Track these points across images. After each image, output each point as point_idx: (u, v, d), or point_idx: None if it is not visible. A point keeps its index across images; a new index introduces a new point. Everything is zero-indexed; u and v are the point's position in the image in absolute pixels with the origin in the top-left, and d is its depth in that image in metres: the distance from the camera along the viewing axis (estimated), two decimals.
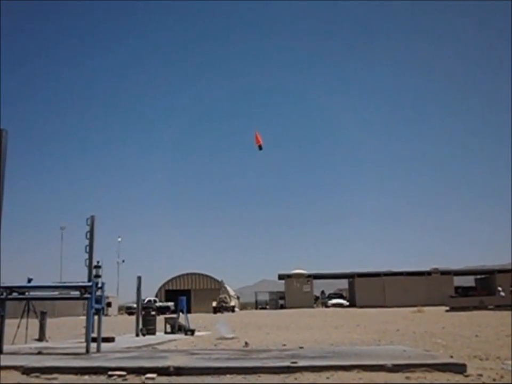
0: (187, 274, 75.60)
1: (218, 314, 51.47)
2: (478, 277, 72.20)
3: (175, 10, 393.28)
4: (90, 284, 12.12)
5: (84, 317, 13.39)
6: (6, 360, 9.10)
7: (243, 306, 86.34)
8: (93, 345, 11.47)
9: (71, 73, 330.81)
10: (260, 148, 27.09)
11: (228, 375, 7.48)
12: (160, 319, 23.74)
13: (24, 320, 17.10)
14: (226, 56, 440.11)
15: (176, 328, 21.63)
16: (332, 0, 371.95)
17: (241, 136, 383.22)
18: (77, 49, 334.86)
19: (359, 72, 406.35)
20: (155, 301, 63.18)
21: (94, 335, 11.93)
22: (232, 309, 61.18)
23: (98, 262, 15.73)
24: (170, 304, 60.49)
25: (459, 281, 70.09)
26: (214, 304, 61.45)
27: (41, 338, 18.11)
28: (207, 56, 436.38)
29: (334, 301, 66.31)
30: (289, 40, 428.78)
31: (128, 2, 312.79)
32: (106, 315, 48.12)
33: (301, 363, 7.82)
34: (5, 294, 11.66)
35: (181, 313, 23.02)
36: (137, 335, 19.69)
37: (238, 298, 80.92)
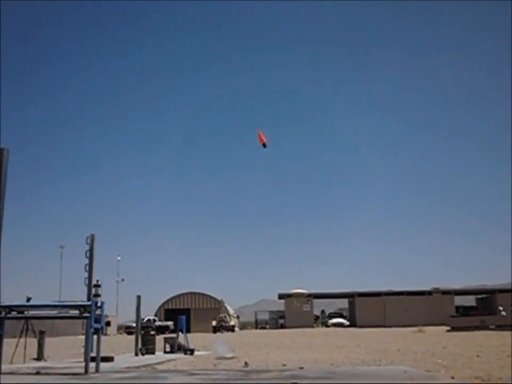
0: (187, 293, 75.22)
1: (218, 334, 51.11)
2: (479, 296, 71.80)
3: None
4: (89, 303, 12.09)
5: (83, 336, 13.34)
6: (4, 380, 9.05)
7: (243, 326, 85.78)
8: (92, 365, 11.40)
9: (69, 88, 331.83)
10: (264, 145, 27.38)
11: None
12: (160, 338, 23.62)
13: (22, 339, 17.02)
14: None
15: (176, 347, 21.51)
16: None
17: (239, 155, 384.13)
18: (71, 63, 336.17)
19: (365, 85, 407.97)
20: (154, 320, 62.78)
21: (93, 354, 11.88)
22: (232, 329, 60.78)
23: (97, 281, 15.71)
24: (170, 323, 60.09)
25: (460, 300, 69.74)
26: (214, 323, 61.06)
27: (39, 357, 18.01)
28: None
29: (334, 320, 65.91)
30: (295, 50, 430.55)
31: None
32: (106, 334, 47.82)
33: None
34: (3, 313, 11.62)
35: (180, 333, 22.91)
36: (136, 354, 19.57)
37: (237, 317, 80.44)
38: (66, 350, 26.00)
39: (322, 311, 73.32)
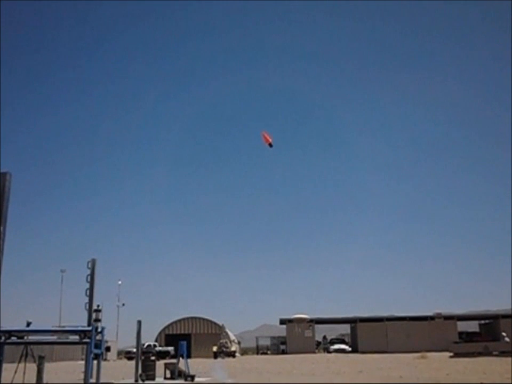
0: (187, 318, 74.78)
1: (218, 359, 50.64)
2: (482, 322, 71.25)
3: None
4: (90, 328, 12.05)
5: (83, 361, 13.25)
6: None
7: (244, 351, 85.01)
8: None
9: (68, 111, 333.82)
10: (270, 145, 27.70)
11: None
12: (160, 364, 23.45)
13: (21, 365, 16.89)
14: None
15: (176, 373, 21.33)
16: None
17: (242, 180, 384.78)
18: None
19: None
20: (155, 346, 62.29)
21: (93, 380, 11.80)
22: (233, 354, 60.25)
23: (98, 305, 15.66)
24: (170, 348, 59.65)
25: (463, 326, 69.15)
26: (215, 349, 60.56)
27: (39, 383, 17.84)
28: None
29: (336, 346, 65.34)
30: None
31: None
32: (105, 360, 47.40)
33: None
34: (3, 338, 11.58)
35: (181, 358, 22.73)
36: (136, 380, 19.42)
37: (239, 343, 79.79)
38: (66, 375, 25.78)
39: (324, 337, 72.70)
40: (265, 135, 27.95)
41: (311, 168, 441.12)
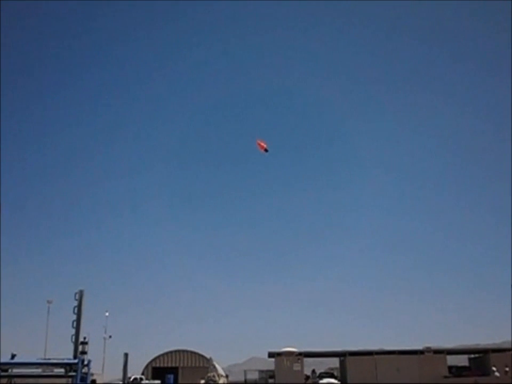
0: (175, 351, 73.80)
1: None
2: (472, 356, 70.77)
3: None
4: (76, 361, 11.92)
5: None
6: None
7: None
8: None
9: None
10: (266, 150, 28.00)
11: None
12: None
13: None
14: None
15: None
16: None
17: (231, 212, 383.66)
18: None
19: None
20: (141, 379, 61.24)
21: None
22: None
23: (85, 338, 15.50)
24: (157, 382, 58.69)
25: (452, 360, 68.67)
26: (202, 382, 59.60)
27: None
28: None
29: (325, 380, 64.43)
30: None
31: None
32: None
33: None
34: None
35: None
36: None
37: (227, 376, 78.60)
38: None
39: (313, 371, 71.82)
40: (260, 143, 28.38)
41: (298, 196, 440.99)
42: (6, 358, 12.06)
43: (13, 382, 17.12)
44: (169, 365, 70.86)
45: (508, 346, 67.33)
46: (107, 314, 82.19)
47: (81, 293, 15.27)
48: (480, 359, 66.20)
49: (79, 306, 15.22)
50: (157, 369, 69.28)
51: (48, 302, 73.08)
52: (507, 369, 52.97)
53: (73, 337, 14.67)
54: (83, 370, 11.01)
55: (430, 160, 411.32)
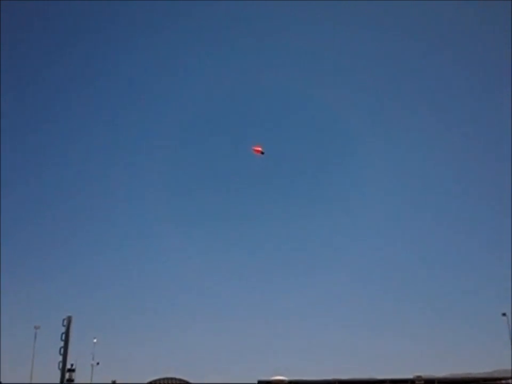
0: (163, 378, 72.90)
1: None
2: None
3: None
4: None
5: None
6: None
7: None
8: None
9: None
10: (262, 153, 28.25)
11: None
12: None
13: None
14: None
15: None
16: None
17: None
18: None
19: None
20: None
21: None
22: None
23: (72, 365, 15.35)
24: None
25: None
26: None
27: None
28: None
29: None
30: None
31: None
32: None
33: None
34: None
35: None
36: None
37: None
38: None
39: None
40: (255, 148, 28.75)
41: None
42: None
43: None
44: None
45: (499, 375, 67.13)
46: (95, 340, 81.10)
47: (69, 320, 15.14)
48: None
49: (67, 332, 15.08)
50: None
51: (36, 327, 72.16)
52: None
53: (60, 364, 14.47)
54: None
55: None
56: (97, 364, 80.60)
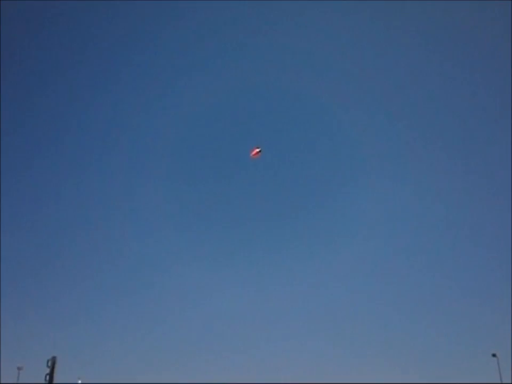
0: None
1: None
2: None
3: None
4: None
5: None
6: None
7: None
8: None
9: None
10: (260, 151, 28.22)
11: None
12: None
13: None
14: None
15: None
16: None
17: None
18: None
19: None
20: None
21: None
22: None
23: None
24: None
25: None
26: None
27: None
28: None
29: None
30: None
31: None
32: None
33: None
34: None
35: None
36: None
37: None
38: None
39: None
40: (253, 153, 28.90)
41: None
42: None
43: None
44: None
45: None
46: (79, 382, 79.43)
47: (53, 360, 14.87)
48: None
49: (51, 374, 14.80)
50: None
51: (19, 368, 70.55)
52: None
53: None
54: None
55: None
56: None
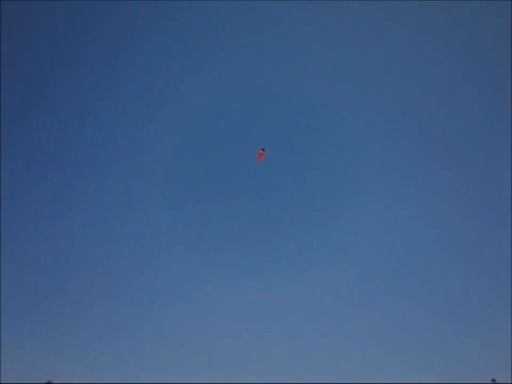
0: None
1: None
2: None
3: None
4: None
5: None
6: None
7: None
8: None
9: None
10: (263, 150, 28.17)
11: None
12: None
13: None
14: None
15: None
16: None
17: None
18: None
19: None
20: None
21: None
22: None
23: None
24: None
25: None
26: None
27: None
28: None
29: None
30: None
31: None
32: None
33: None
34: None
35: None
36: None
37: None
38: None
39: None
40: (258, 156, 28.90)
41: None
42: None
43: None
44: None
45: None
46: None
47: None
48: None
49: None
50: None
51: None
52: None
53: None
54: None
55: None
56: None
